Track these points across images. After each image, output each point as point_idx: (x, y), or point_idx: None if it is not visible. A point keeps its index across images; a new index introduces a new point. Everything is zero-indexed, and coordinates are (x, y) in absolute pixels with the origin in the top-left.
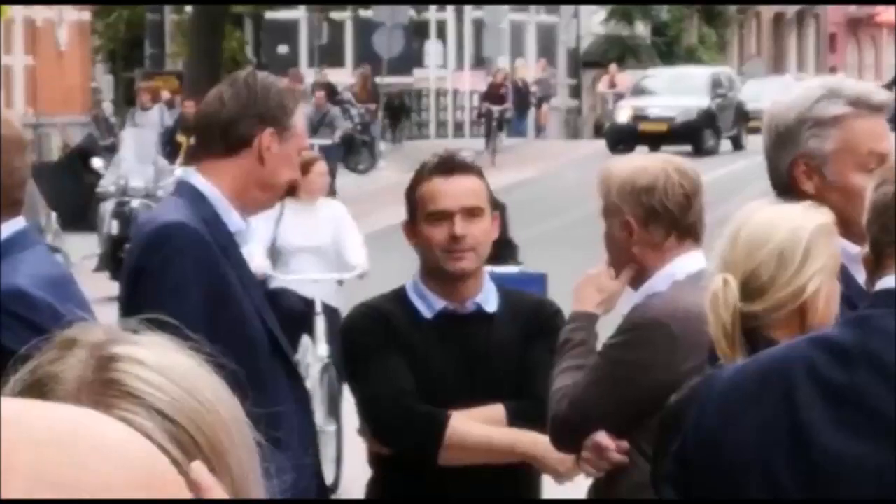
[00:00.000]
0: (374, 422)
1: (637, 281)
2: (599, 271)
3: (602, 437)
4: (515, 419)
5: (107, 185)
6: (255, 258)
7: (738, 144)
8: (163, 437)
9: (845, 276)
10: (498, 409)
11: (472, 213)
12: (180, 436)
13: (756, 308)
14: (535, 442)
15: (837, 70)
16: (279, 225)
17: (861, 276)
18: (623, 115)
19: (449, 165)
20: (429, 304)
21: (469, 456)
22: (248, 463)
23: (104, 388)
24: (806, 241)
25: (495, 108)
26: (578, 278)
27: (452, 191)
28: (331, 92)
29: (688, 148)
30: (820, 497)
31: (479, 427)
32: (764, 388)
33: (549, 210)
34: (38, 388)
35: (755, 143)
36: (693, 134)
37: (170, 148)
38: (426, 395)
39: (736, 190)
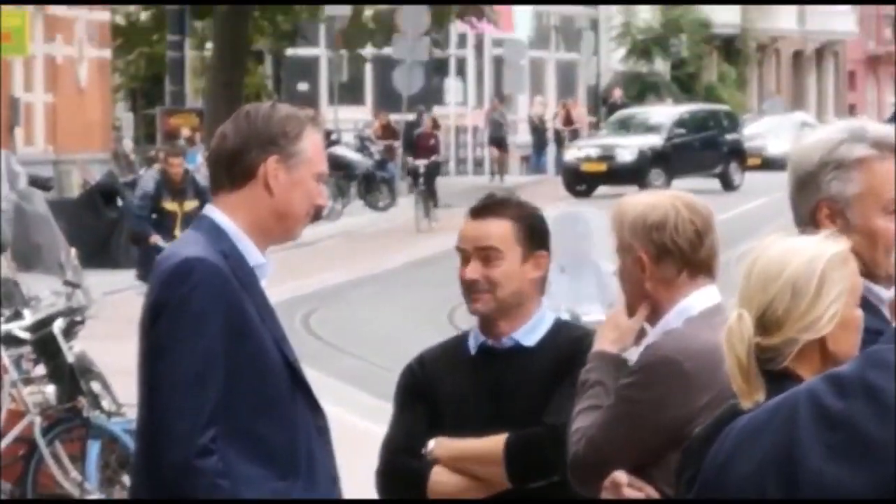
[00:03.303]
0: (376, 473)
1: (653, 317)
2: (618, 310)
3: (619, 475)
4: (509, 445)
5: None
6: None
7: (728, 184)
8: None
9: (881, 319)
10: (499, 439)
11: (487, 255)
12: None
13: (774, 341)
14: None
15: (857, 107)
16: None
17: None
18: (570, 154)
19: (483, 206)
20: (476, 339)
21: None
22: None
23: None
24: (820, 272)
25: (421, 163)
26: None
27: (471, 233)
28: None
29: (632, 188)
30: None
31: (455, 477)
32: (772, 418)
33: None
34: None
35: (751, 184)
36: (635, 174)
37: (158, 217)
38: (455, 429)
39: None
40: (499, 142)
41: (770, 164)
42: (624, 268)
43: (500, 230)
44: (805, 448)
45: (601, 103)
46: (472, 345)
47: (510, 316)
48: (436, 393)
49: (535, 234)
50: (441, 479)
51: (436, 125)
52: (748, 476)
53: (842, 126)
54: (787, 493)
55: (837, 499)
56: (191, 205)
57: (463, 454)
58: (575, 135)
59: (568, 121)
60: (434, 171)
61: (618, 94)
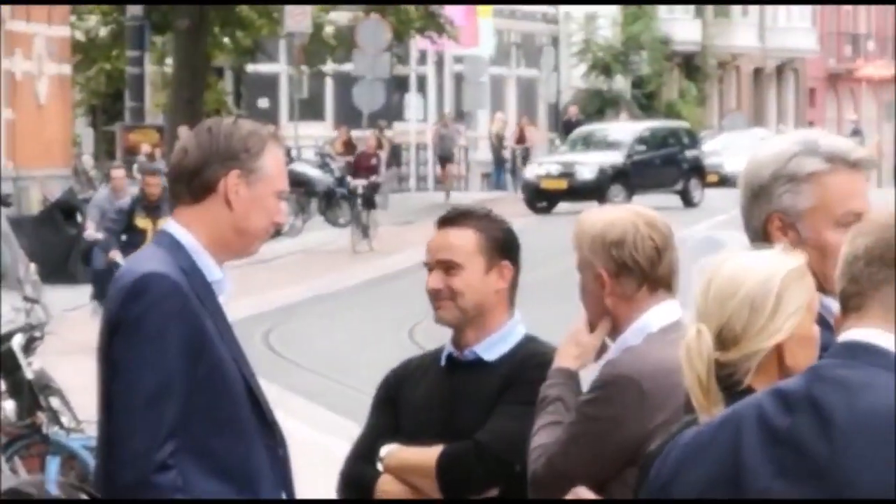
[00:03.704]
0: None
1: (613, 333)
2: (578, 326)
3: (581, 491)
4: (441, 459)
5: None
6: None
7: (688, 201)
8: None
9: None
10: (434, 451)
11: (448, 266)
12: None
13: (731, 357)
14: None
15: (816, 124)
16: None
17: None
18: (530, 171)
19: (448, 217)
20: (447, 349)
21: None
22: None
23: None
24: (777, 288)
25: (359, 183)
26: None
27: (434, 244)
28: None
29: (593, 205)
30: None
31: (399, 487)
32: (717, 436)
33: (530, 264)
34: None
35: (711, 200)
36: (595, 191)
37: (128, 235)
38: (411, 438)
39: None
40: (446, 160)
41: (727, 181)
42: (584, 284)
43: (460, 240)
44: (752, 466)
45: (561, 120)
46: (444, 355)
47: (475, 326)
48: (402, 400)
49: (499, 245)
50: (386, 488)
51: (380, 145)
52: (693, 496)
53: (795, 139)
54: None
55: None
56: (164, 222)
57: (406, 465)
58: (527, 153)
59: (521, 139)
60: (373, 192)
61: (573, 111)
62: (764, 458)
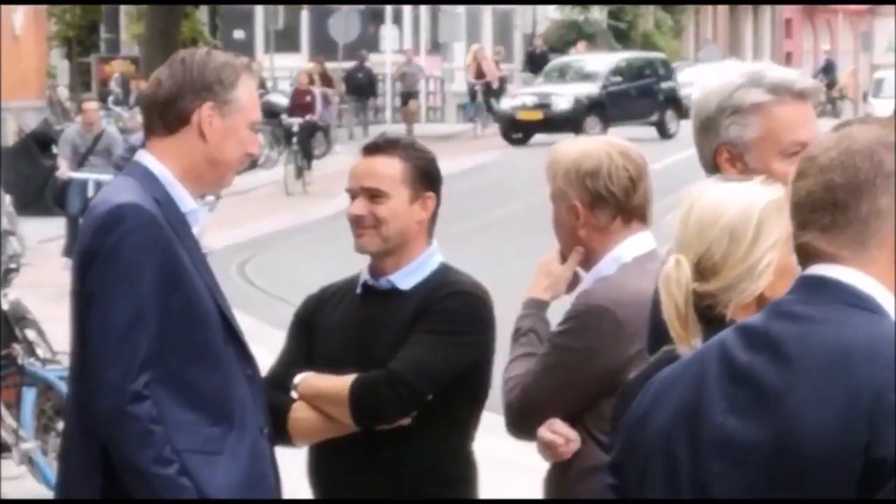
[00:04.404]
0: None
1: (587, 264)
2: (550, 257)
3: (557, 425)
4: (353, 387)
5: None
6: None
7: (664, 132)
8: None
9: None
10: (347, 379)
11: (372, 193)
12: None
13: (710, 287)
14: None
15: (793, 56)
16: None
17: None
18: (506, 102)
19: (375, 144)
20: (363, 278)
21: (320, 437)
22: None
23: None
24: (757, 218)
25: (294, 121)
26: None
27: (359, 170)
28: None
29: (569, 136)
30: (703, 466)
31: (313, 414)
32: (686, 371)
33: (505, 195)
34: None
35: (688, 132)
36: (571, 122)
37: None
38: (323, 365)
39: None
40: (408, 97)
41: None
42: (558, 215)
43: (387, 169)
44: (710, 401)
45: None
46: (360, 283)
47: (394, 255)
48: (317, 326)
49: (423, 175)
50: (299, 415)
51: (311, 80)
52: (660, 431)
53: (742, 70)
54: (692, 449)
55: (736, 451)
56: None
57: (319, 392)
58: (488, 88)
59: (479, 74)
60: (309, 131)
61: (538, 43)
62: (720, 394)
